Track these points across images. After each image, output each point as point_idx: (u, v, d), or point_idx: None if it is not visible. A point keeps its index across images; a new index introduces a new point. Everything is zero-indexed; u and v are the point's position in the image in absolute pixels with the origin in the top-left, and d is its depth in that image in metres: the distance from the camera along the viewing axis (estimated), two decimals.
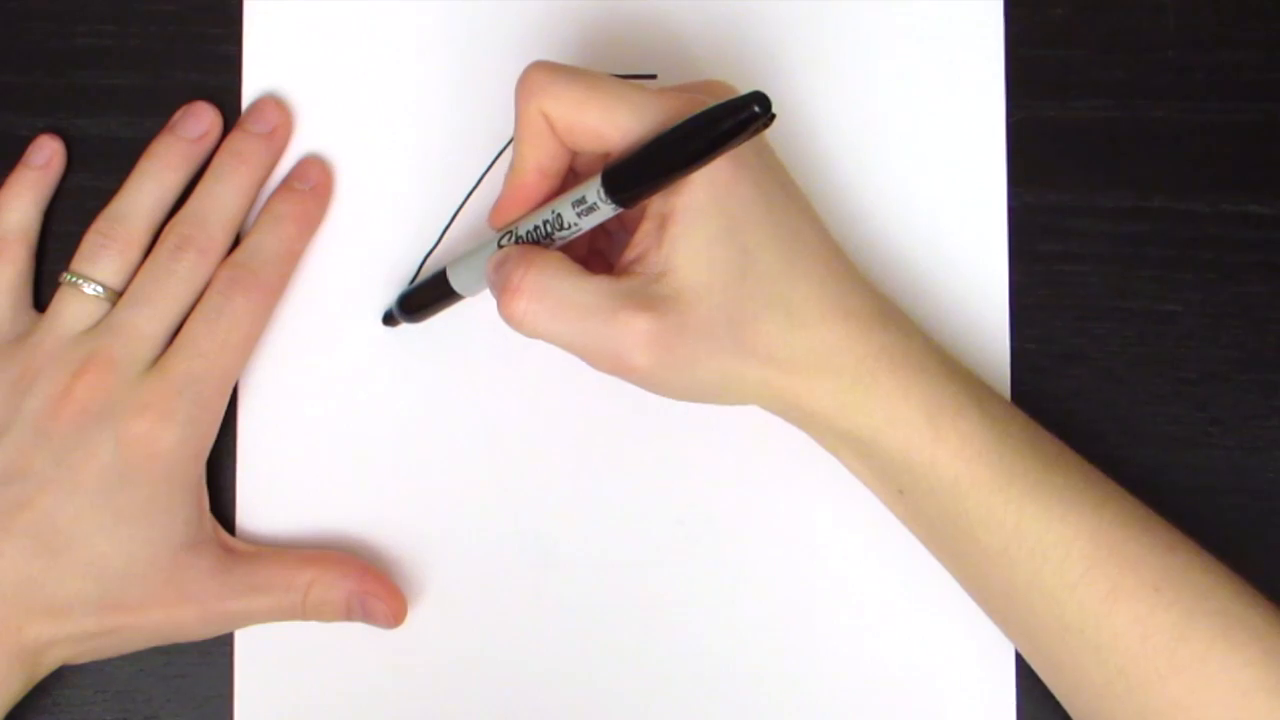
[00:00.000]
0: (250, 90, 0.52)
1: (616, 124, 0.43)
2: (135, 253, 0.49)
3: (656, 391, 0.45)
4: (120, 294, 0.49)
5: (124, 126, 0.52)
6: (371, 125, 0.52)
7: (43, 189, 0.51)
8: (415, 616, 0.51)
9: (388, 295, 0.52)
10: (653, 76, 0.52)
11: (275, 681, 0.51)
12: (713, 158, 0.41)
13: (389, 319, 0.51)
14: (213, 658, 0.51)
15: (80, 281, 0.49)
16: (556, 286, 0.43)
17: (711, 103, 0.41)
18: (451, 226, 0.52)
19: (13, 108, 0.52)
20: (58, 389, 0.47)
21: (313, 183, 0.51)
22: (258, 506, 0.51)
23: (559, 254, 0.44)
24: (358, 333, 0.52)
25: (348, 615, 0.49)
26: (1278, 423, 0.51)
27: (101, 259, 0.49)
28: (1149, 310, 0.52)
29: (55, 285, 0.49)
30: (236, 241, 0.50)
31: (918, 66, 0.52)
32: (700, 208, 0.43)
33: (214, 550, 0.48)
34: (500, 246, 0.46)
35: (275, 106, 0.51)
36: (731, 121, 0.39)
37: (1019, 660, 0.50)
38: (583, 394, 0.51)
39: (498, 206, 0.46)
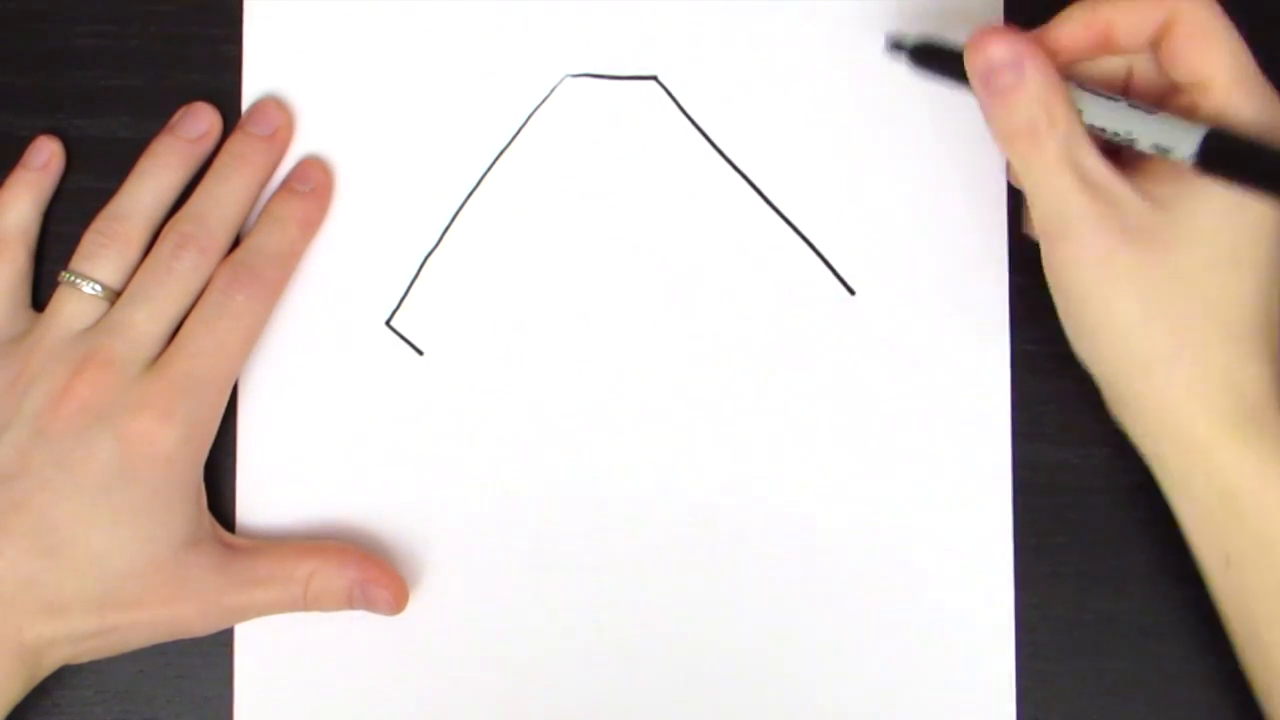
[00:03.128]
0: (251, 91, 0.52)
1: (1226, 71, 0.42)
2: (134, 252, 0.49)
3: (1057, 286, 0.44)
4: (119, 293, 0.49)
5: (124, 127, 0.52)
6: (371, 125, 0.52)
7: (42, 189, 0.51)
8: (415, 616, 0.51)
9: (388, 295, 0.51)
10: (653, 78, 0.52)
11: (275, 681, 0.51)
12: None
13: (895, 45, 0.47)
14: (213, 658, 0.51)
15: (79, 281, 0.49)
16: (1078, 147, 0.42)
17: None
18: (451, 227, 0.52)
19: (12, 108, 0.52)
20: (57, 388, 0.47)
21: (313, 184, 0.51)
22: (257, 505, 0.51)
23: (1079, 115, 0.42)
24: (358, 333, 0.52)
25: (349, 604, 0.49)
26: None
27: (100, 258, 0.49)
28: None
29: (54, 285, 0.49)
30: (236, 243, 0.50)
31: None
32: (1239, 197, 0.42)
33: (213, 547, 0.48)
34: None
35: (276, 108, 0.51)
36: None
37: (1019, 661, 0.50)
38: (583, 392, 0.51)
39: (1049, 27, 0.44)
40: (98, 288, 0.49)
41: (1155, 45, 0.44)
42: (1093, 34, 0.44)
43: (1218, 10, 0.43)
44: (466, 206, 0.52)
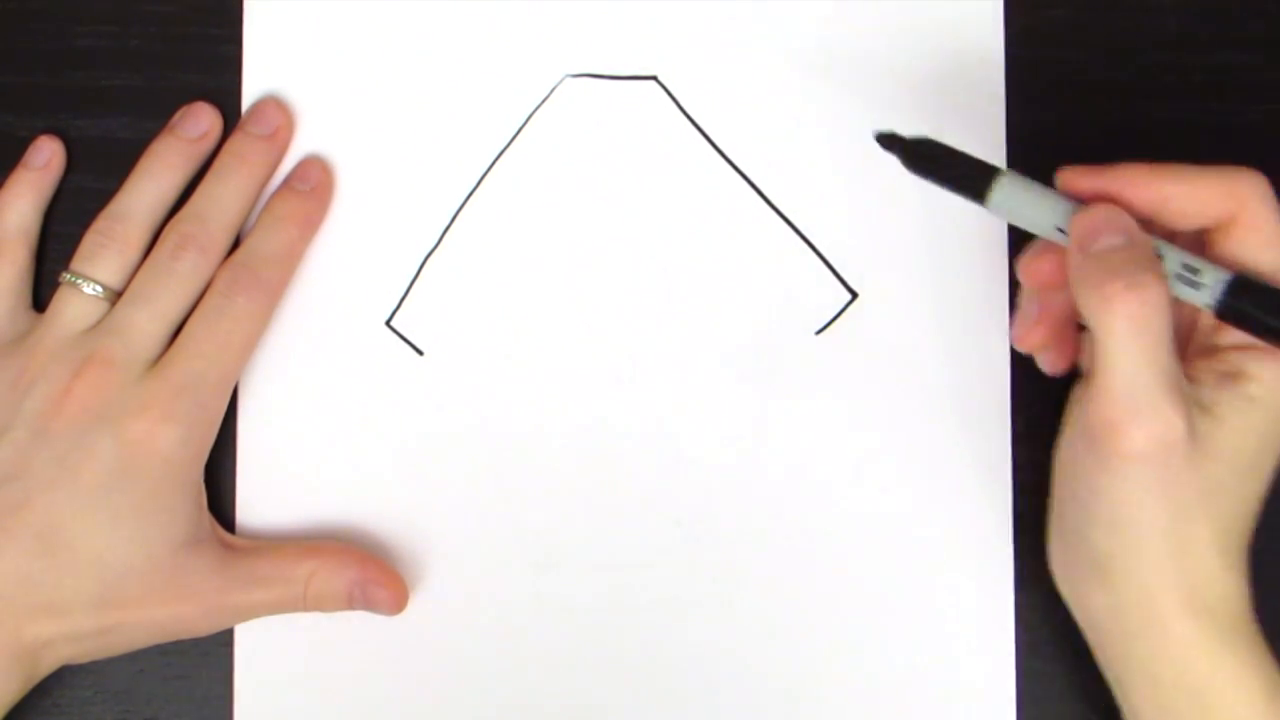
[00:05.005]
0: (251, 91, 0.52)
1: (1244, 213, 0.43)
2: (135, 252, 0.49)
3: (1063, 451, 0.45)
4: (120, 294, 0.49)
5: (124, 127, 0.52)
6: (371, 125, 0.52)
7: (42, 190, 0.51)
8: (415, 616, 0.51)
9: (388, 295, 0.51)
10: (653, 78, 0.52)
11: (275, 682, 0.51)
12: None
13: (887, 141, 0.46)
14: (213, 658, 0.51)
15: (80, 281, 0.49)
16: (1159, 320, 0.41)
17: None
18: (451, 227, 0.52)
19: (13, 108, 0.52)
20: (57, 389, 0.47)
21: (313, 183, 0.51)
22: (257, 506, 0.51)
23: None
24: (358, 333, 0.52)
25: (349, 604, 0.49)
26: None
27: (101, 259, 0.49)
28: None
29: (55, 285, 0.49)
30: (237, 243, 0.50)
31: (916, 67, 0.52)
32: (1271, 395, 0.42)
33: (213, 547, 0.48)
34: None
35: (276, 108, 0.51)
36: None
37: (1019, 661, 0.50)
38: (583, 392, 0.51)
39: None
40: (98, 288, 0.49)
41: (1207, 228, 0.44)
42: (1144, 203, 0.43)
43: (1275, 204, 0.43)
44: (466, 206, 0.52)
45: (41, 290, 0.51)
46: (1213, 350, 0.45)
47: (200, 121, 0.51)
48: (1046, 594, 0.51)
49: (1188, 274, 0.42)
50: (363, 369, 0.51)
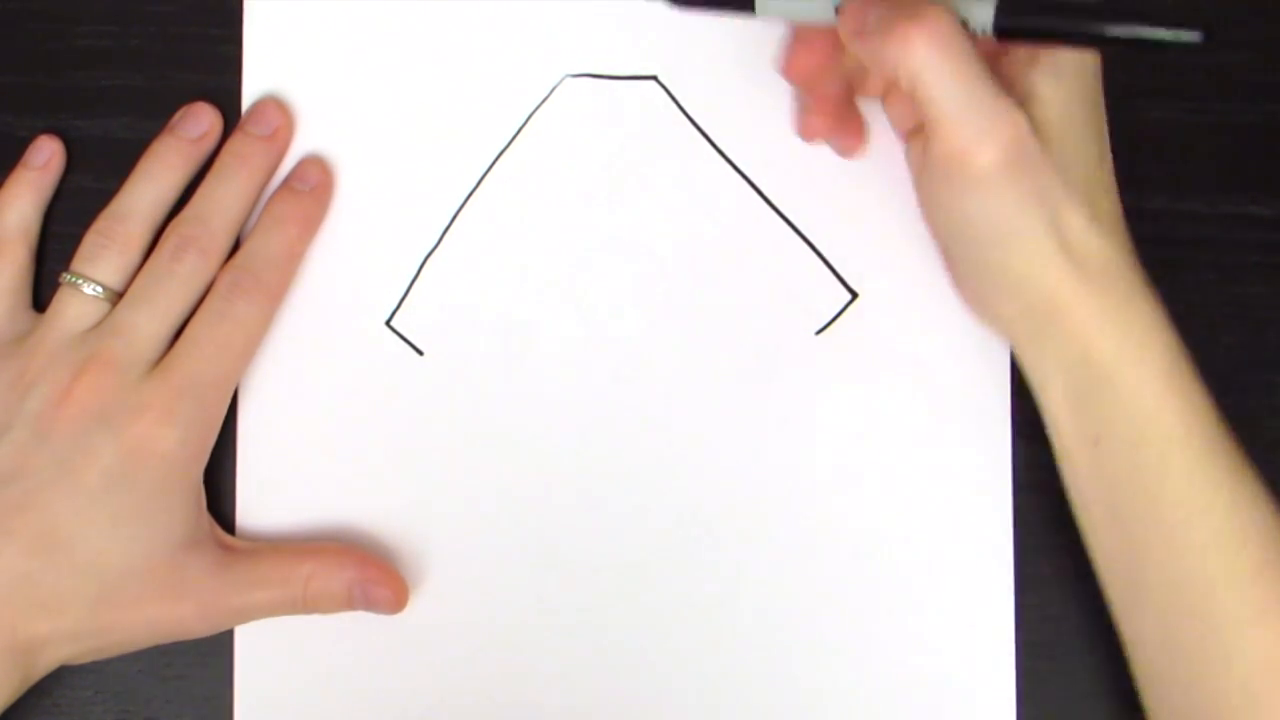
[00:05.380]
0: (250, 91, 0.52)
1: None
2: (135, 253, 0.49)
3: (926, 204, 0.46)
4: (120, 295, 0.49)
5: (124, 127, 0.52)
6: (371, 125, 0.52)
7: (42, 190, 0.51)
8: (414, 616, 0.51)
9: (388, 295, 0.52)
10: (653, 78, 0.52)
11: (275, 681, 0.51)
12: (1113, 46, 0.40)
13: None
14: (213, 658, 0.51)
15: (80, 282, 0.49)
16: (960, 39, 0.42)
17: None
18: (451, 227, 0.52)
19: (13, 108, 0.52)
20: (58, 389, 0.47)
21: (313, 183, 0.51)
22: (258, 506, 0.51)
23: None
24: (358, 333, 0.52)
25: (349, 605, 0.49)
26: (1278, 423, 0.51)
27: (101, 259, 0.49)
28: None
29: (55, 286, 0.49)
30: (237, 244, 0.50)
31: None
32: (1070, 66, 0.43)
33: (212, 548, 0.48)
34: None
35: (276, 108, 0.51)
36: (1168, 34, 0.39)
37: (1019, 661, 0.50)
38: (583, 392, 0.51)
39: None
40: (99, 289, 0.49)
41: None
42: None
43: None
44: (466, 206, 0.52)
45: (41, 290, 0.51)
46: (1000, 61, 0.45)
47: (200, 122, 0.51)
48: (1046, 594, 0.51)
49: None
50: (363, 369, 0.51)
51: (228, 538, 0.50)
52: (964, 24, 0.42)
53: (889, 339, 0.51)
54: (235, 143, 0.51)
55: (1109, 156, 0.46)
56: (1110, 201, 0.45)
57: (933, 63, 0.42)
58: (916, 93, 0.42)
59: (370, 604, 0.49)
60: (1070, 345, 0.44)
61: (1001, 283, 0.45)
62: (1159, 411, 0.44)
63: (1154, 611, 0.45)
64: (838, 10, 0.44)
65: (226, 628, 0.50)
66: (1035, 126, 0.43)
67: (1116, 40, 0.41)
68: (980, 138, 0.42)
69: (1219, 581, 0.43)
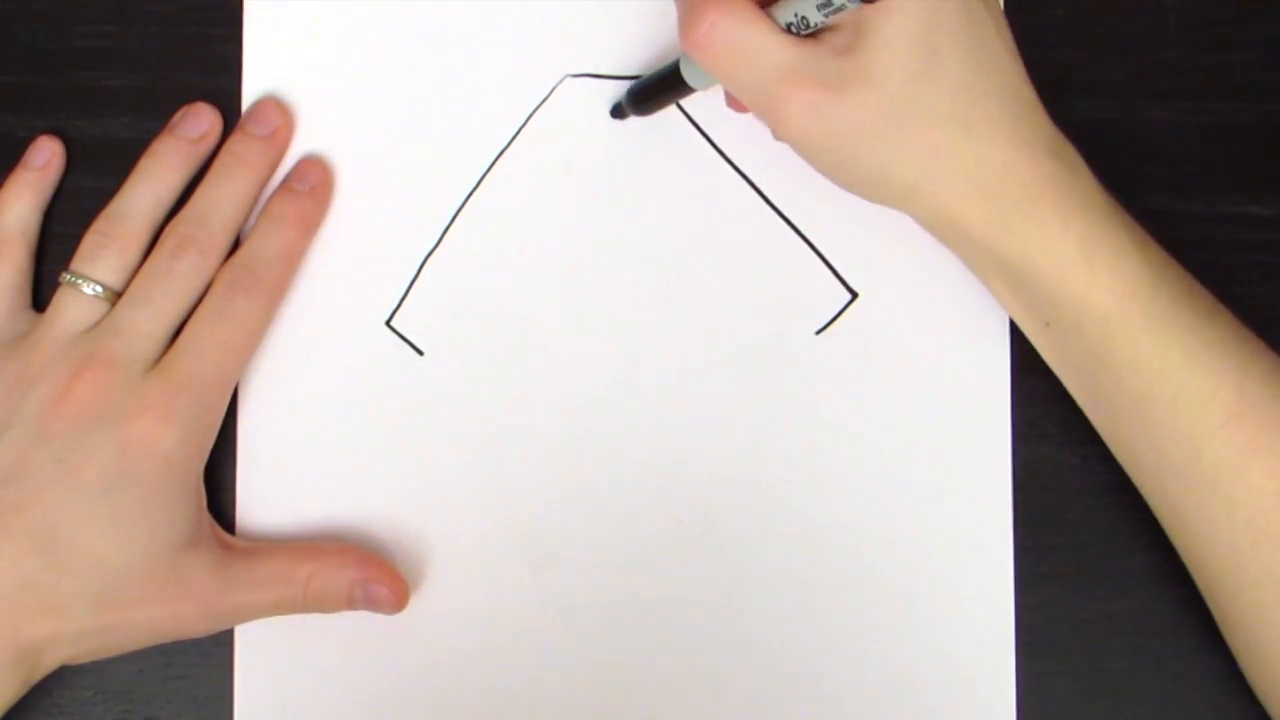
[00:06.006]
0: (250, 91, 0.52)
1: None
2: (134, 253, 0.49)
3: (811, 163, 0.46)
4: (119, 294, 0.49)
5: (123, 127, 0.52)
6: (371, 125, 0.52)
7: (42, 190, 0.51)
8: (415, 616, 0.51)
9: (388, 295, 0.52)
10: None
11: (275, 681, 0.51)
12: None
13: (617, 111, 0.51)
14: (213, 658, 0.51)
15: (79, 281, 0.49)
16: (741, 35, 0.44)
17: None
18: (451, 227, 0.52)
19: (12, 108, 0.52)
20: (57, 389, 0.47)
21: (312, 183, 0.51)
22: (258, 506, 0.51)
23: (751, 2, 0.44)
24: (358, 333, 0.52)
25: (350, 604, 0.49)
26: None
27: (101, 259, 0.49)
28: None
29: (55, 286, 0.49)
30: (237, 244, 0.50)
31: None
32: (903, 1, 0.43)
33: (212, 548, 0.48)
34: None
35: (276, 108, 0.51)
36: None
37: (1019, 661, 0.50)
38: (583, 392, 0.51)
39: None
40: (99, 289, 0.49)
41: None
42: None
43: None
44: (466, 206, 0.52)
45: (41, 290, 0.51)
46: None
47: (200, 122, 0.51)
48: (1046, 594, 0.51)
49: (829, 8, 0.43)
50: (363, 369, 0.51)
51: (228, 537, 0.50)
52: (826, 2, 0.42)
53: (889, 339, 0.51)
54: (235, 143, 0.51)
55: (998, 60, 0.45)
56: (991, 104, 0.45)
57: (712, 67, 0.45)
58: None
59: (371, 603, 0.49)
60: (983, 250, 0.46)
61: (893, 203, 0.47)
62: (1086, 295, 0.45)
63: (1151, 477, 0.47)
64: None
65: (227, 627, 0.50)
66: (868, 61, 0.43)
67: None
68: (774, 111, 0.44)
69: (1197, 436, 0.45)
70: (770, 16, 0.44)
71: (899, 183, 0.46)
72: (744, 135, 0.52)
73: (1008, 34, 0.46)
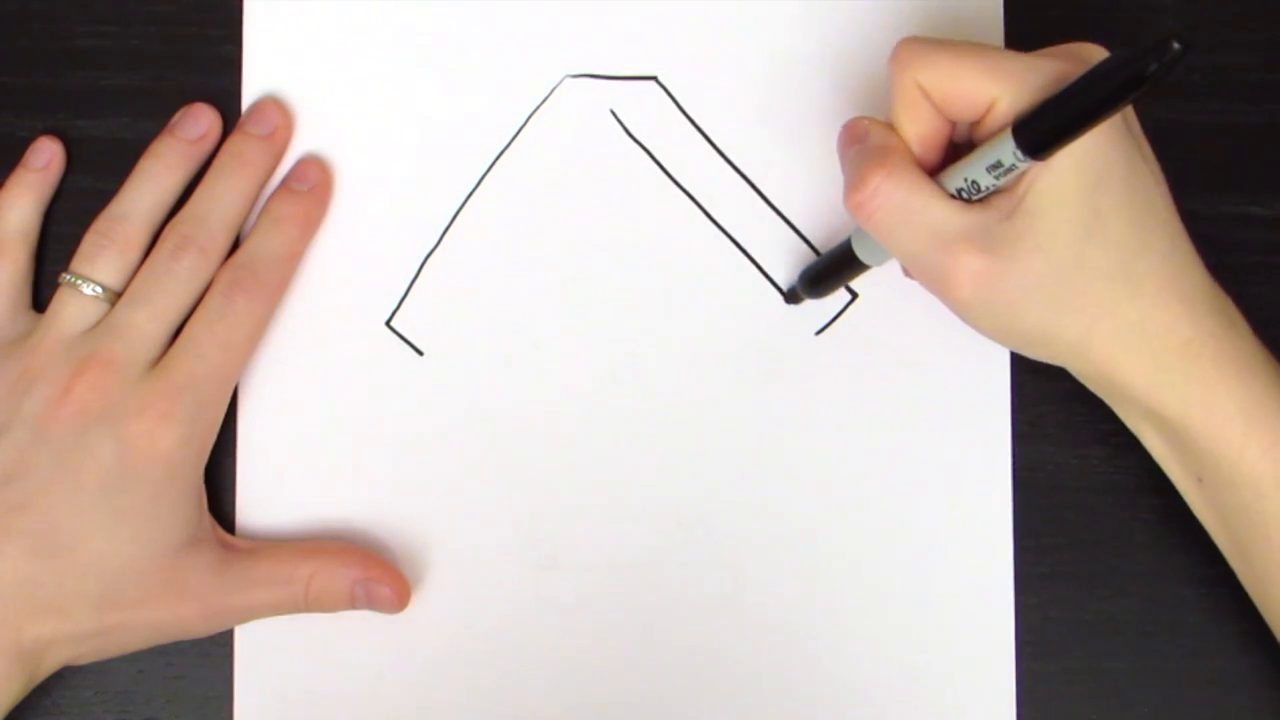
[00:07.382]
0: (250, 91, 0.52)
1: (999, 86, 0.43)
2: (134, 253, 0.49)
3: (972, 325, 0.45)
4: (119, 294, 0.49)
5: (124, 127, 0.52)
6: (371, 125, 0.52)
7: (42, 190, 0.51)
8: (415, 616, 0.51)
9: (388, 295, 0.52)
10: (653, 78, 0.52)
11: (275, 682, 0.51)
12: (1127, 102, 0.40)
13: (792, 296, 0.51)
14: (213, 658, 0.51)
15: (79, 282, 0.49)
16: (906, 200, 0.43)
17: (1095, 57, 0.43)
18: (451, 227, 0.52)
19: (13, 108, 0.52)
20: (57, 389, 0.47)
21: (312, 183, 0.51)
22: (258, 506, 0.51)
23: (914, 162, 0.44)
24: (358, 333, 0.52)
25: (351, 604, 0.49)
26: None
27: (100, 259, 0.49)
28: None
29: (55, 286, 0.49)
30: (237, 244, 0.50)
31: None
32: (1066, 160, 0.43)
33: (213, 548, 0.48)
34: None
35: (275, 108, 0.51)
36: (1155, 63, 0.38)
37: (1019, 661, 0.50)
38: (583, 392, 0.51)
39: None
40: (98, 289, 0.49)
41: (949, 116, 0.45)
42: (919, 157, 0.45)
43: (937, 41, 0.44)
44: (466, 206, 0.52)
45: (41, 290, 0.51)
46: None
47: (200, 122, 0.51)
48: (1046, 594, 0.51)
49: (999, 170, 0.42)
50: (363, 369, 0.51)
51: (229, 537, 0.50)
52: (997, 165, 0.42)
53: (889, 339, 0.51)
54: (234, 143, 0.51)
55: (1158, 213, 0.45)
56: (1153, 260, 0.44)
57: (877, 233, 0.44)
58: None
59: (372, 603, 0.49)
60: (1139, 406, 0.46)
61: (1057, 359, 0.46)
62: (1242, 456, 0.44)
63: None
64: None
65: (228, 627, 0.50)
66: (1034, 224, 0.43)
67: (1124, 97, 0.40)
68: (943, 280, 0.44)
69: None
70: (937, 183, 0.44)
71: (1064, 343, 0.45)
72: (744, 136, 0.52)
73: (1164, 185, 0.45)
